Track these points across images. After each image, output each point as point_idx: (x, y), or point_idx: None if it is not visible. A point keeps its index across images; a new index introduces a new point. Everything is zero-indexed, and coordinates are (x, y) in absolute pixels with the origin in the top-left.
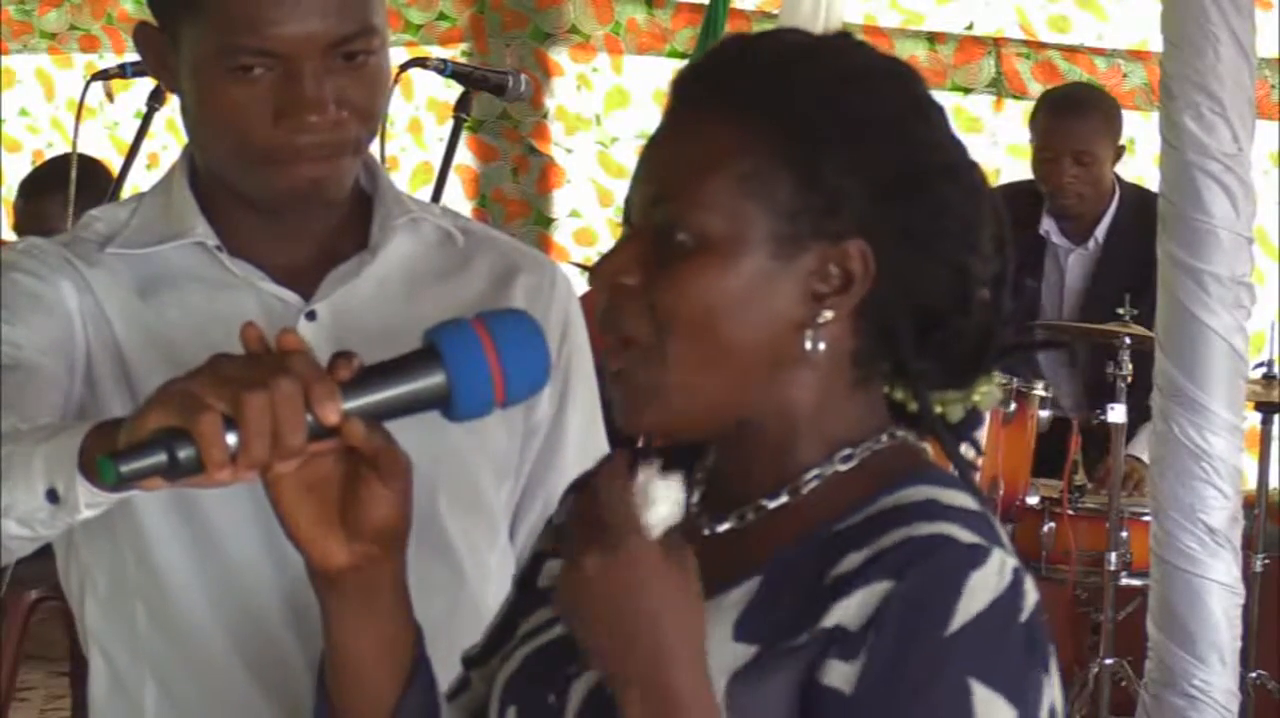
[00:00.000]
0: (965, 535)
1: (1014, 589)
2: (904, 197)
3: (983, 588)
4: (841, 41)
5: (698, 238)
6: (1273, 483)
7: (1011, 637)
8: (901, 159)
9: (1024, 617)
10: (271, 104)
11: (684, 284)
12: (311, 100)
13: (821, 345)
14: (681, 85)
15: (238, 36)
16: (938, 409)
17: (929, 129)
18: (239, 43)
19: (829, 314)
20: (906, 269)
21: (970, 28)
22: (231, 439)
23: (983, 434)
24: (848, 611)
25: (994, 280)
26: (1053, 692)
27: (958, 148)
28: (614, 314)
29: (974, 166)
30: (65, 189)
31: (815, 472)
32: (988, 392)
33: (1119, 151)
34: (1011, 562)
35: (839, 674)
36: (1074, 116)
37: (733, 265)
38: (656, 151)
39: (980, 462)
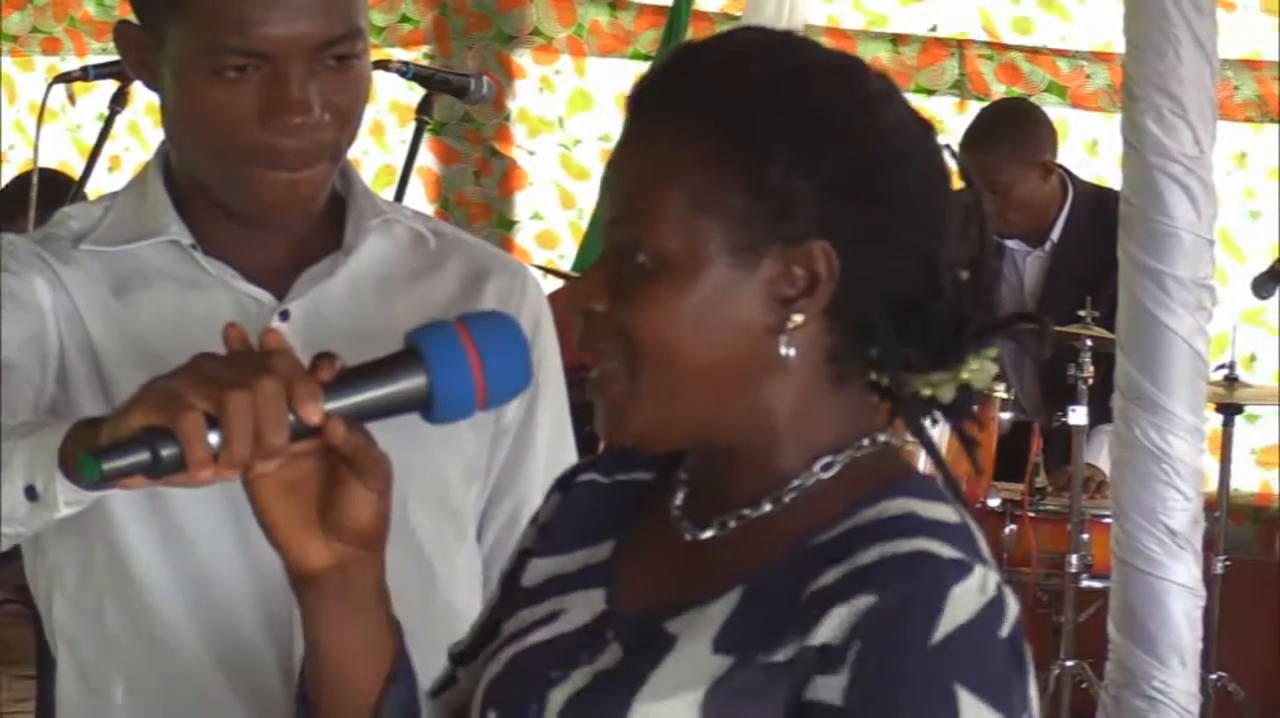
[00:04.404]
0: (946, 551)
1: (996, 604)
2: (857, 191)
3: (965, 601)
4: (784, 40)
5: (656, 258)
6: (1234, 485)
7: (995, 649)
8: (848, 154)
9: (1006, 632)
10: (256, 105)
11: (646, 307)
12: (296, 102)
13: (795, 350)
14: (635, 97)
15: (224, 36)
16: (927, 392)
17: (875, 120)
18: (225, 43)
19: (799, 318)
20: (872, 262)
21: (934, 29)
22: (214, 438)
23: (943, 441)
24: (830, 628)
25: (971, 262)
26: (1033, 706)
27: (912, 135)
28: (589, 338)
29: (931, 152)
30: (32, 209)
31: (796, 482)
32: (978, 369)
33: (1046, 165)
34: (994, 577)
35: (826, 688)
36: (977, 151)
37: (692, 283)
38: (614, 169)
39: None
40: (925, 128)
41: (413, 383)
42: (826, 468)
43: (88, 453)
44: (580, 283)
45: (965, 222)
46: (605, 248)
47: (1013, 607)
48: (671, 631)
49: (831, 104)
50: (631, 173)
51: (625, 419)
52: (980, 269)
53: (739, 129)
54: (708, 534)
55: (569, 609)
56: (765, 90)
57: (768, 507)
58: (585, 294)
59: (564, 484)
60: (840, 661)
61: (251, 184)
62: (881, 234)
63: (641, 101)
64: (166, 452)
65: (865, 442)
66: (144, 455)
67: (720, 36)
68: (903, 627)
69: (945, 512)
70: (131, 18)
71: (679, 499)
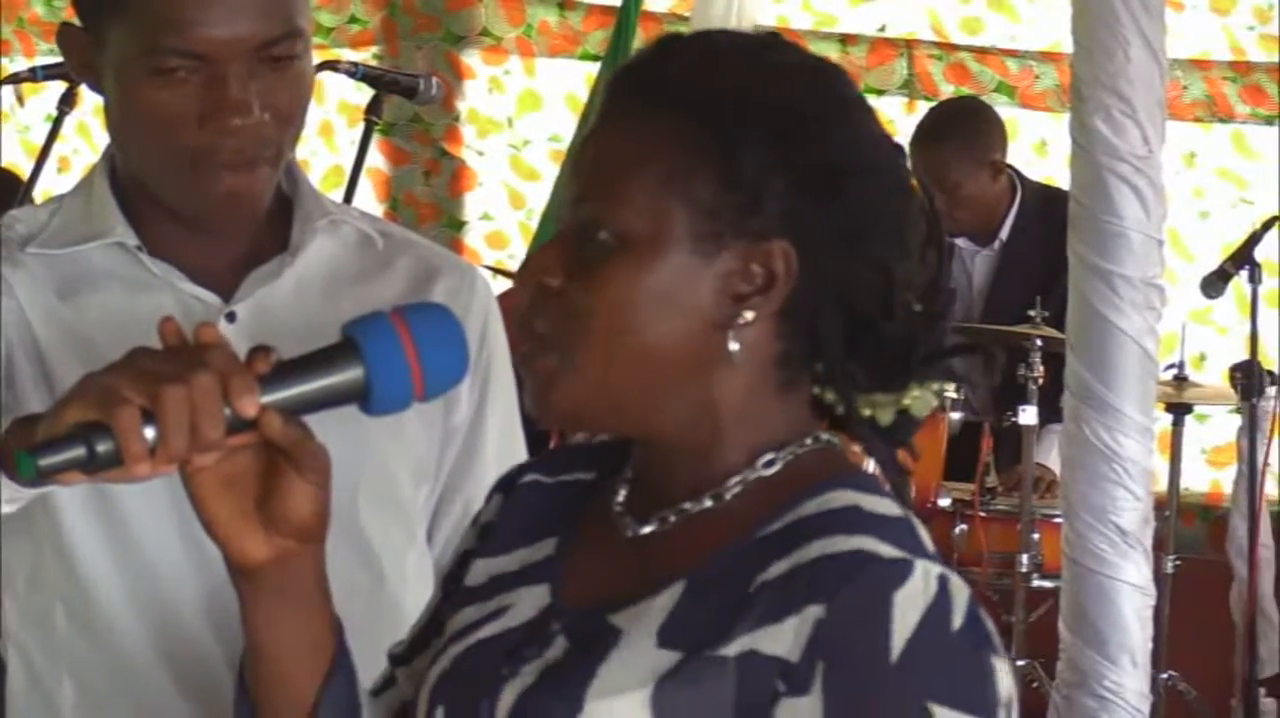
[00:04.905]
0: (886, 549)
1: (941, 598)
2: (827, 193)
3: (911, 604)
4: (767, 40)
5: (618, 237)
6: (1184, 485)
7: (953, 647)
8: (822, 157)
9: (959, 622)
10: (196, 106)
11: (603, 284)
12: (236, 102)
13: (741, 347)
14: (613, 85)
15: (163, 37)
16: (867, 412)
17: (852, 128)
18: (164, 43)
19: (750, 315)
20: (831, 270)
21: (883, 30)
22: (150, 433)
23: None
24: (782, 640)
25: (925, 287)
26: (1007, 679)
27: (884, 149)
28: (532, 313)
29: (900, 169)
30: None
31: (738, 478)
32: (920, 396)
33: (996, 164)
34: (935, 570)
35: (799, 711)
36: (927, 148)
37: (652, 264)
38: (585, 151)
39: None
40: (896, 146)
41: (349, 374)
42: (769, 465)
43: (23, 450)
44: (532, 258)
45: (926, 245)
46: (566, 225)
47: (960, 592)
48: (616, 624)
49: (811, 104)
50: (603, 153)
51: (554, 394)
52: (934, 295)
53: (717, 121)
54: (648, 529)
55: (515, 605)
56: (746, 85)
57: (708, 502)
58: (539, 268)
59: (506, 485)
60: (808, 681)
61: (193, 190)
62: (845, 240)
63: (621, 88)
64: (102, 447)
65: (808, 440)
66: (80, 451)
67: (703, 33)
68: (859, 645)
69: (888, 505)
70: (76, 20)
71: (621, 497)
